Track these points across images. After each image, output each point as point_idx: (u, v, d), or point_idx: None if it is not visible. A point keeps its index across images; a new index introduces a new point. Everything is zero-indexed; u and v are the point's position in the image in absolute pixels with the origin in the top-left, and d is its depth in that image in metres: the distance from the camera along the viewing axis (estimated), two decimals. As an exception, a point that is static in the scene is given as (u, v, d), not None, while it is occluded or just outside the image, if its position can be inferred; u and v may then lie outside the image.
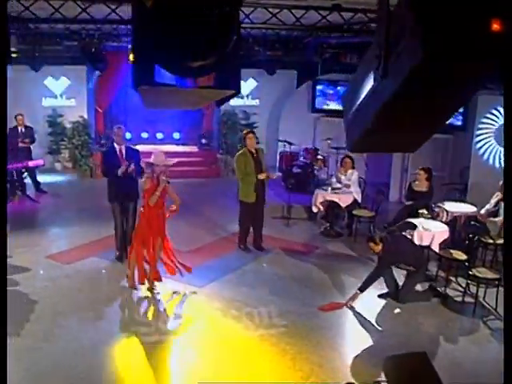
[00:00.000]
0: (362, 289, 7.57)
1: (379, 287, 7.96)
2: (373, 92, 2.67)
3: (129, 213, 8.94)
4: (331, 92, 15.36)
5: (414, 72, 2.39)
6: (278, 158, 15.67)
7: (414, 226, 8.69)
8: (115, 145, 8.75)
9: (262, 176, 9.35)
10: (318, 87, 15.53)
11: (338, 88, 15.15)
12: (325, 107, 15.55)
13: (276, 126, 16.35)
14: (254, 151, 9.36)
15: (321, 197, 10.94)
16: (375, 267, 7.81)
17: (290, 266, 9.27)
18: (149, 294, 7.90)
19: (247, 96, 17.13)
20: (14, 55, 11.77)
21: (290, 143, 14.19)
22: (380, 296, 7.97)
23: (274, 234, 10.74)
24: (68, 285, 8.25)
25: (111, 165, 8.62)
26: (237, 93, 2.89)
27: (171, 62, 2.50)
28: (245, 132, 9.69)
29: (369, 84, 2.69)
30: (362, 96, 2.77)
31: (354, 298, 7.63)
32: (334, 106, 15.28)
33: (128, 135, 17.01)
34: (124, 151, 8.74)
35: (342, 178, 11.00)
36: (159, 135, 17.57)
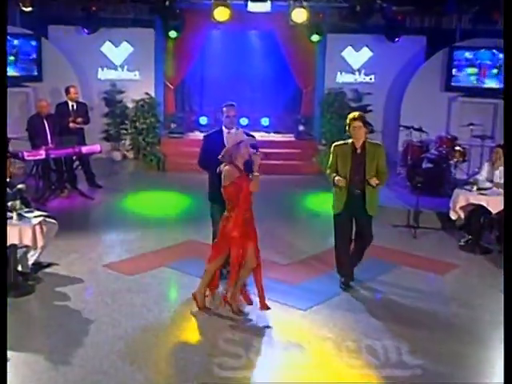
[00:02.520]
0: None
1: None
2: None
3: None
4: (483, 63, 14.88)
5: None
6: (400, 149, 15.40)
7: None
8: (224, 128, 8.52)
9: (372, 181, 8.50)
10: (457, 58, 15.08)
11: (500, 55, 14.60)
12: (466, 84, 15.10)
13: (397, 109, 16.11)
14: (358, 146, 8.53)
15: (463, 199, 10.53)
16: None
17: (420, 289, 8.94)
18: (241, 317, 7.74)
19: (359, 70, 16.90)
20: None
21: (421, 130, 13.79)
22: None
23: (396, 247, 10.56)
24: (132, 301, 8.16)
25: (214, 154, 8.17)
26: None
27: None
28: (349, 117, 8.68)
29: None
30: None
31: None
32: (485, 82, 14.85)
33: (244, 121, 17.06)
34: None
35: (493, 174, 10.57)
36: (243, 121, 17.49)
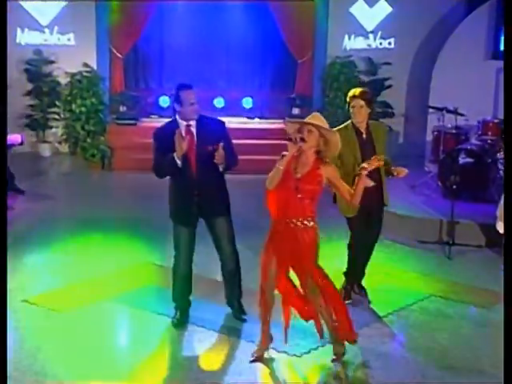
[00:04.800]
0: None
1: None
2: None
3: (220, 239, 8.49)
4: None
5: None
6: (429, 138, 15.55)
7: None
8: (178, 119, 8.17)
9: (398, 172, 8.80)
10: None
11: None
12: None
13: (425, 85, 16.19)
14: (362, 129, 8.80)
15: (514, 205, 10.53)
16: None
17: (457, 327, 8.91)
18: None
19: (374, 32, 16.92)
20: None
21: (457, 112, 13.81)
22: None
23: (424, 271, 10.58)
24: (64, 347, 8.07)
25: (166, 155, 8.07)
26: None
27: None
28: (349, 95, 8.89)
29: None
30: None
31: None
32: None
33: (219, 102, 17.08)
34: (195, 129, 8.18)
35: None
36: (218, 102, 17.58)
